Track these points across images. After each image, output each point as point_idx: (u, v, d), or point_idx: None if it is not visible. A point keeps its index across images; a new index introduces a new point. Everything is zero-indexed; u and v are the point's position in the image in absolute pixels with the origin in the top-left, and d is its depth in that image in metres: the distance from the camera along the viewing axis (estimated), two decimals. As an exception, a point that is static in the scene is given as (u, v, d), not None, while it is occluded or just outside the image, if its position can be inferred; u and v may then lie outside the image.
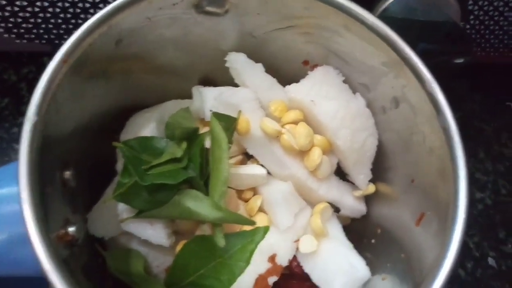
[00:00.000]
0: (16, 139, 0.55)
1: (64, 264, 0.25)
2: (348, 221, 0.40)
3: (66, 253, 0.28)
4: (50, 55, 0.56)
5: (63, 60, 0.28)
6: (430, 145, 0.32)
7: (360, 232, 0.39)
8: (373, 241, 0.38)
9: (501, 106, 0.63)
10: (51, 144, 0.28)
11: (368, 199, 0.39)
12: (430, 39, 0.47)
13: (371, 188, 0.38)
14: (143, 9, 0.33)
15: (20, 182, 0.24)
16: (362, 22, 0.33)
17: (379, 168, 0.38)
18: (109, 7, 0.31)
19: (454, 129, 0.30)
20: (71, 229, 0.29)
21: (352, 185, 0.39)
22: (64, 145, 0.31)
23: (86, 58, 0.31)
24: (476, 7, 0.51)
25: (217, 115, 0.34)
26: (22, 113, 0.56)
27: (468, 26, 0.52)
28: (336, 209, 0.38)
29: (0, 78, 0.57)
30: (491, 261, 0.54)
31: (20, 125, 0.54)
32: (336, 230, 0.37)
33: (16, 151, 0.54)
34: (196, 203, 0.31)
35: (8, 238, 0.28)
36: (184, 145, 0.34)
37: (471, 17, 0.52)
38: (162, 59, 0.39)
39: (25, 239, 0.25)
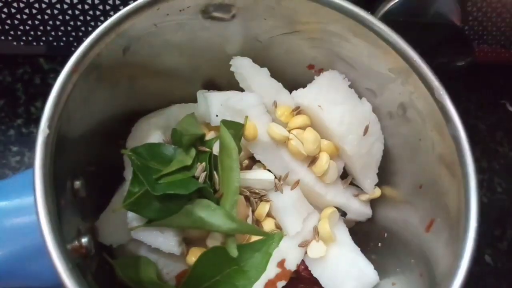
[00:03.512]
0: (13, 141, 0.54)
1: (81, 275, 0.25)
2: (352, 223, 0.40)
3: (80, 264, 0.28)
4: (46, 56, 0.55)
5: (73, 70, 0.28)
6: (439, 152, 0.32)
7: (366, 235, 0.39)
8: (379, 244, 0.38)
9: (496, 104, 0.64)
10: (62, 153, 0.28)
11: (373, 202, 0.40)
12: (431, 41, 0.47)
13: (377, 192, 0.38)
14: (151, 16, 0.32)
15: (36, 195, 0.24)
16: (370, 28, 0.34)
17: (385, 172, 0.38)
18: (117, 15, 0.30)
19: (464, 138, 0.30)
20: (84, 239, 0.29)
21: (358, 188, 0.39)
22: (74, 154, 0.31)
23: (95, 65, 0.30)
24: (474, 8, 0.52)
25: (226, 123, 0.34)
26: (18, 115, 0.56)
27: (466, 27, 0.53)
28: (343, 213, 0.39)
29: (-5, 79, 0.56)
30: (487, 258, 0.54)
31: (16, 127, 0.55)
32: (343, 235, 0.37)
33: (13, 154, 0.54)
34: (209, 213, 0.31)
35: (22, 251, 0.27)
36: (193, 152, 0.34)
37: (470, 18, 0.52)
38: (167, 64, 0.38)
39: (40, 251, 0.25)
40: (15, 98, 0.56)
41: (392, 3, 0.46)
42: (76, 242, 0.28)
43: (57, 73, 0.55)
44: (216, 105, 0.38)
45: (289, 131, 0.37)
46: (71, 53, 0.52)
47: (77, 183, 0.31)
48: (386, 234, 0.38)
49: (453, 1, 0.48)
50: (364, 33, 0.34)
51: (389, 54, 0.33)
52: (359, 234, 0.39)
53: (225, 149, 0.33)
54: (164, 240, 0.33)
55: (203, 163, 0.34)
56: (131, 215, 0.33)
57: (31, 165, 0.52)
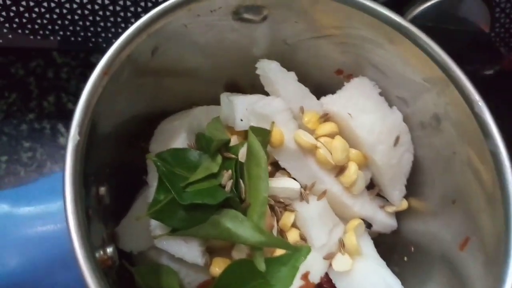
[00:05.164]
0: (26, 136, 0.53)
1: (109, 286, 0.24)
2: (375, 234, 0.39)
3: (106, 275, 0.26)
4: (59, 50, 0.54)
5: (104, 72, 0.27)
6: (475, 167, 0.31)
7: (390, 247, 0.38)
8: (405, 258, 0.37)
9: (514, 112, 0.63)
10: (88, 159, 0.27)
11: (398, 214, 0.38)
12: (458, 48, 0.46)
13: (404, 204, 0.37)
14: (182, 16, 0.31)
15: (66, 203, 0.23)
16: (408, 36, 0.32)
17: (414, 184, 0.37)
18: (149, 15, 0.29)
19: (505, 154, 0.29)
20: (109, 249, 0.28)
21: (383, 199, 0.38)
22: (98, 158, 0.30)
23: (124, 67, 0.29)
24: (502, 15, 0.50)
25: (254, 130, 0.33)
26: (30, 109, 0.54)
27: (493, 34, 0.52)
28: (368, 225, 0.37)
29: (7, 72, 0.54)
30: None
31: (28, 122, 0.53)
32: (368, 247, 0.36)
33: (25, 149, 0.52)
34: (236, 225, 0.30)
35: (46, 260, 0.26)
36: (219, 159, 0.33)
37: (497, 24, 0.51)
38: (192, 65, 0.37)
39: (64, 261, 0.24)
40: (27, 92, 0.54)
41: (420, 8, 0.45)
42: (102, 252, 0.27)
43: (70, 67, 0.54)
44: (241, 109, 0.36)
45: (316, 138, 0.36)
46: (85, 48, 0.51)
47: (102, 189, 0.29)
48: (413, 249, 0.37)
49: (482, 7, 0.47)
50: (401, 41, 0.33)
51: (426, 63, 0.32)
52: (382, 245, 0.38)
53: (253, 158, 0.32)
54: (188, 250, 0.31)
55: (230, 171, 0.33)
56: (154, 222, 0.32)
57: (43, 161, 0.52)
